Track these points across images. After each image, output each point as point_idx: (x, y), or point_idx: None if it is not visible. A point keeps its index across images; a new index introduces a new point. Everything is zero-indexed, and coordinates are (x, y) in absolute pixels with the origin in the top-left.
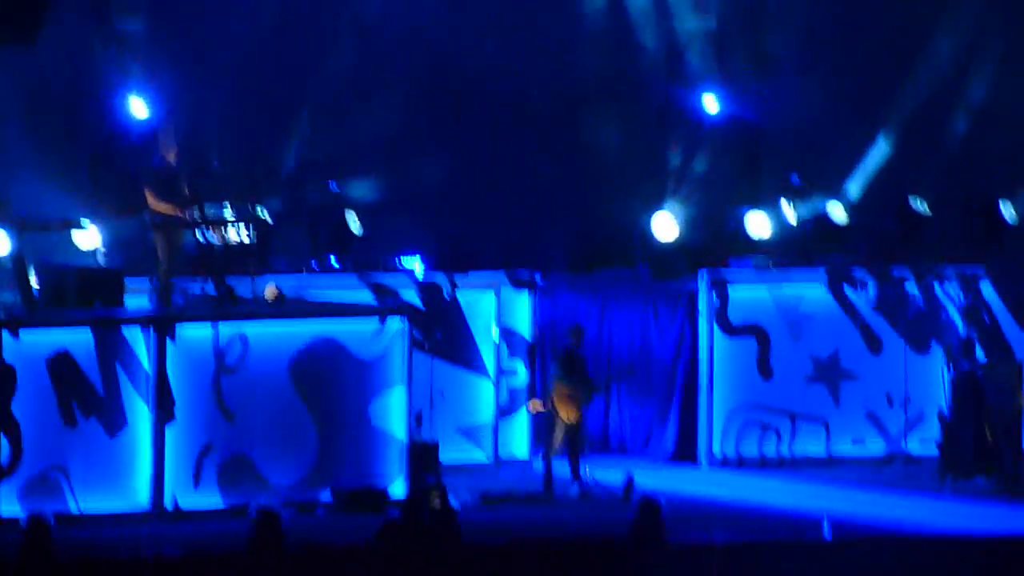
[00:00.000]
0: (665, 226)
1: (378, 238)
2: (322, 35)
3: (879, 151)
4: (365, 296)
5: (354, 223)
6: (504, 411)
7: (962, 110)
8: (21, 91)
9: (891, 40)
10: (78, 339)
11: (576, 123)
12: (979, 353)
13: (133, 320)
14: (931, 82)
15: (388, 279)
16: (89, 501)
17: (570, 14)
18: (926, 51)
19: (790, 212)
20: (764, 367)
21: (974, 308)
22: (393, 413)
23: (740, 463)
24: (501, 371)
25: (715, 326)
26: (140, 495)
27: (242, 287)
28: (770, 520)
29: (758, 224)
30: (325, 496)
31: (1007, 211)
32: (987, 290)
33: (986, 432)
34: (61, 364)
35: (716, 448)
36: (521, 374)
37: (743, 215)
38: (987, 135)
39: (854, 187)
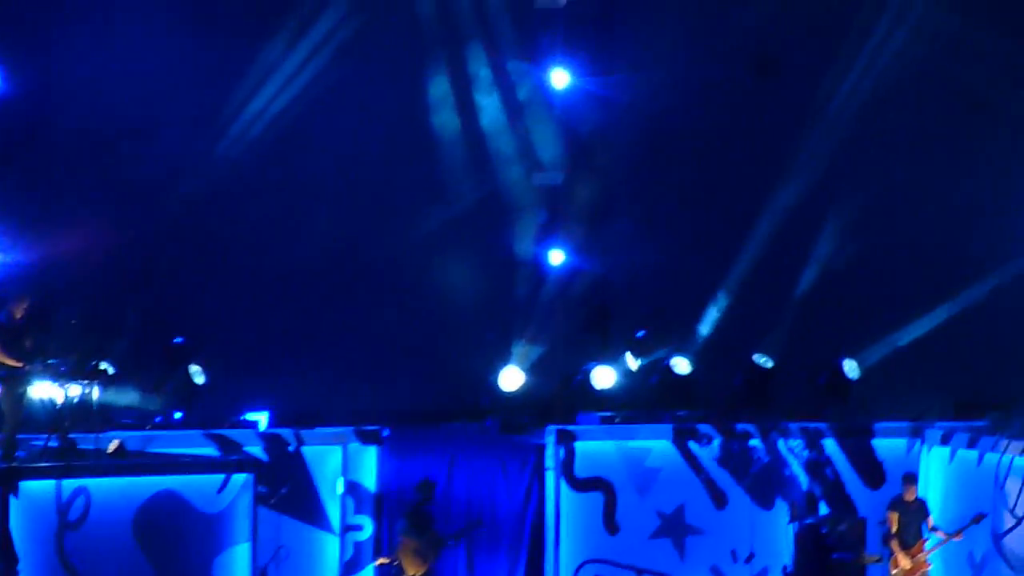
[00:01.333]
0: (512, 379)
1: (224, 393)
2: (167, 195)
3: (722, 307)
4: (210, 451)
5: (199, 377)
6: (349, 567)
7: (807, 268)
8: None
9: (737, 197)
10: None
11: (422, 279)
12: (822, 508)
13: None
14: (775, 240)
15: (233, 434)
16: None
17: (419, 165)
18: (770, 211)
19: (635, 365)
20: (610, 522)
21: (817, 464)
22: (237, 569)
23: None
24: (347, 526)
25: (562, 480)
26: None
27: (85, 442)
28: None
29: (604, 377)
30: None
31: (850, 368)
32: (830, 446)
33: None
34: None
35: None
36: (367, 529)
37: (590, 369)
38: (830, 294)
39: (699, 342)
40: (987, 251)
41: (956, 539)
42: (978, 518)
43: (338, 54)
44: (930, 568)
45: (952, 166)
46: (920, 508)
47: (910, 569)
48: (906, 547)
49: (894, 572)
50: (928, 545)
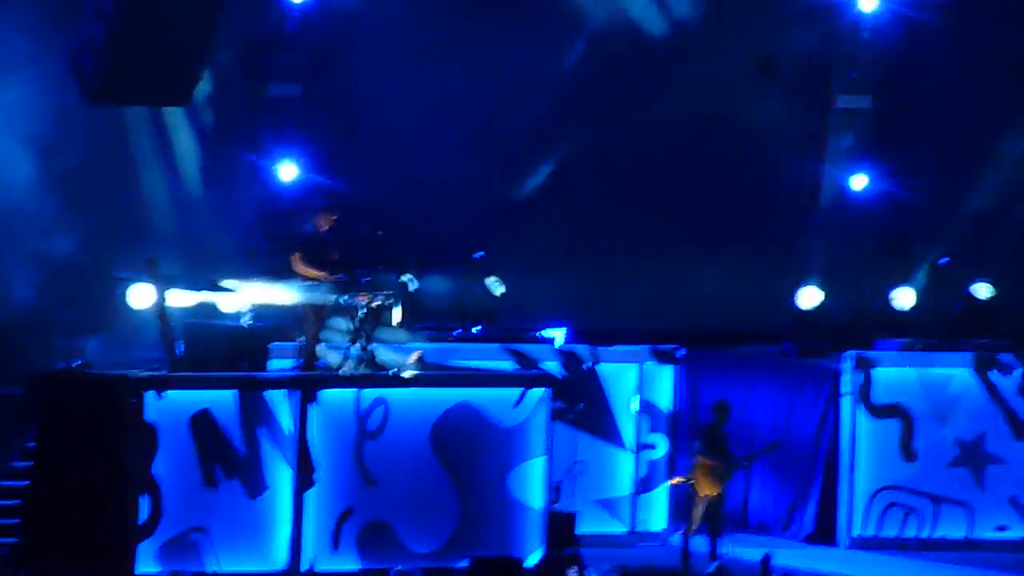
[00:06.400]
0: (811, 301)
1: (522, 308)
2: (472, 106)
3: None
4: (508, 365)
5: (498, 288)
6: (643, 484)
7: None
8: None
9: None
10: (221, 400)
11: (722, 201)
12: None
13: (277, 383)
14: None
15: (531, 349)
16: (228, 562)
17: (721, 86)
18: None
19: (936, 292)
20: (907, 449)
21: None
22: (532, 483)
23: (880, 545)
24: (641, 444)
25: (859, 406)
26: (279, 557)
27: (385, 353)
28: None
29: (905, 300)
30: (463, 565)
31: None
32: None
33: None
34: (203, 424)
35: (856, 529)
36: (661, 448)
37: (890, 293)
38: None
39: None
40: None
41: None
42: None
43: None
44: None
45: None
46: None
47: None
48: None
49: None
50: None
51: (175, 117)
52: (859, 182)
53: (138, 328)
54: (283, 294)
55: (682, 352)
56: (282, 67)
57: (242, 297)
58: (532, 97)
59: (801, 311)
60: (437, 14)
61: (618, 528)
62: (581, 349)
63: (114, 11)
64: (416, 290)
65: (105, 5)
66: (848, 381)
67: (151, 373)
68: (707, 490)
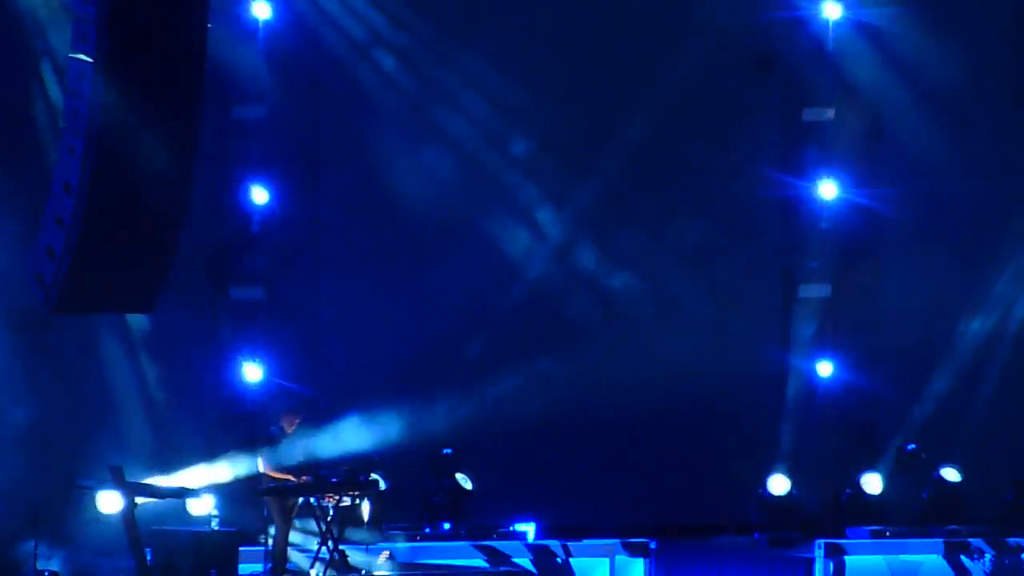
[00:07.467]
0: (780, 489)
1: (491, 503)
2: (433, 308)
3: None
4: (478, 562)
5: (467, 484)
6: None
7: None
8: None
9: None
10: None
11: (689, 391)
12: None
13: None
14: None
15: (502, 545)
16: None
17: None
18: None
19: (904, 478)
20: None
21: None
22: None
23: None
24: None
25: None
26: None
27: (356, 553)
28: None
29: (873, 487)
30: None
31: None
32: None
33: None
34: None
35: None
36: None
37: (859, 479)
38: None
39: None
40: None
41: None
42: None
43: None
44: None
45: None
46: None
47: None
48: None
49: None
50: None
51: (137, 318)
52: (824, 369)
53: (105, 536)
54: (248, 467)
55: (654, 544)
56: (244, 270)
57: (207, 482)
58: (495, 306)
59: (770, 500)
60: (397, 227)
61: None
62: (552, 544)
63: (74, 220)
64: (384, 489)
65: (65, 214)
66: (819, 570)
67: None
68: None
